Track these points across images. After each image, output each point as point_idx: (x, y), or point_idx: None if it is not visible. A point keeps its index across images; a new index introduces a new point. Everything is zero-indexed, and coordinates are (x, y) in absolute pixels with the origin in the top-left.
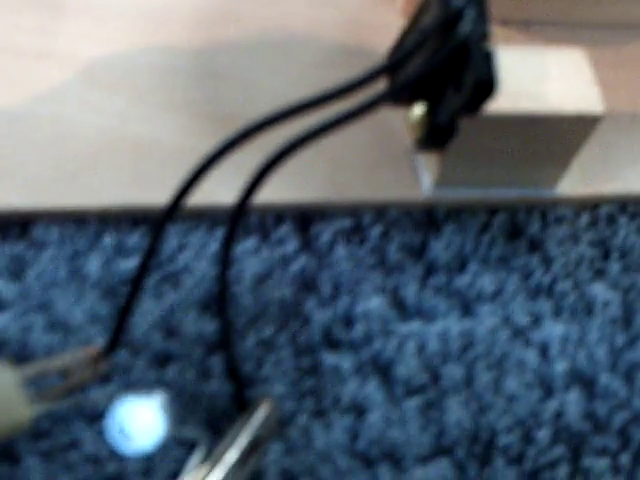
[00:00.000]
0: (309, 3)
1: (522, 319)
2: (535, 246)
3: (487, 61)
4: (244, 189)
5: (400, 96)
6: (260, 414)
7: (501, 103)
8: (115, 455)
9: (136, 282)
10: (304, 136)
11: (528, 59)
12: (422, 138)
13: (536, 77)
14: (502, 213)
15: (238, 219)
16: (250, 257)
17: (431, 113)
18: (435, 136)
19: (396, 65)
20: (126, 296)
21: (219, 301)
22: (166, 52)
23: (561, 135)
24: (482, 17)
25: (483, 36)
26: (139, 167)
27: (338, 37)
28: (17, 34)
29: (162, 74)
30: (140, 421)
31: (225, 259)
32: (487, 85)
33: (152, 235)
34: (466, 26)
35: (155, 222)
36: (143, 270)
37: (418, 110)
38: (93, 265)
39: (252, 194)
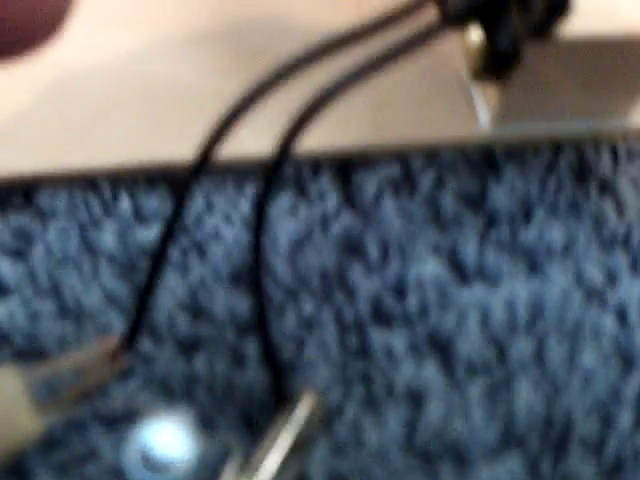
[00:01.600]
0: None
1: (596, 277)
2: (606, 188)
3: None
4: (283, 138)
5: (459, 21)
6: (303, 408)
7: (573, 23)
8: (139, 466)
9: (158, 255)
10: (351, 74)
11: None
12: (481, 67)
13: None
14: (568, 150)
15: (276, 174)
16: (285, 218)
17: (492, 37)
18: (496, 64)
19: None
20: (147, 273)
21: (253, 273)
22: None
23: (637, 59)
24: None
25: None
26: (156, 115)
27: None
28: None
29: (177, 4)
30: (165, 447)
31: (259, 223)
32: (563, 3)
33: (176, 197)
34: None
35: (179, 181)
36: (166, 240)
37: (476, 34)
38: (107, 236)
39: (292, 143)
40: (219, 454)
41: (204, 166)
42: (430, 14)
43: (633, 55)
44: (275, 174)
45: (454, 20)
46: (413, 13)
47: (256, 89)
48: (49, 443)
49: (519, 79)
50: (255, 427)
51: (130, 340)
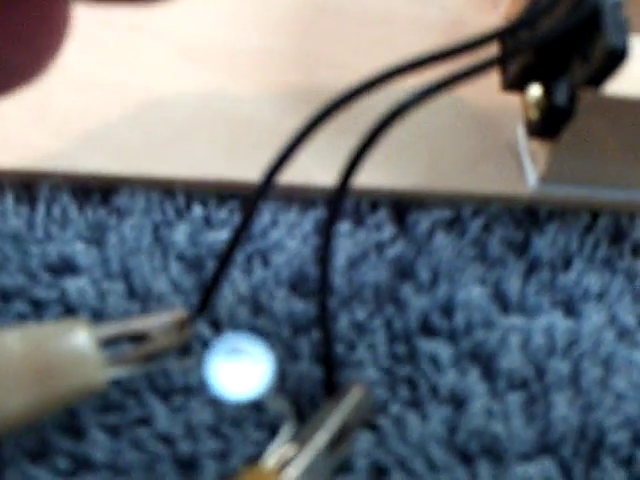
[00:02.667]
0: (413, 0)
1: (628, 320)
2: (639, 252)
3: (621, 27)
4: (349, 159)
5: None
6: (352, 398)
7: (626, 87)
8: (189, 435)
9: (229, 250)
10: (407, 101)
11: None
12: (538, 120)
13: None
14: (605, 216)
15: (342, 193)
16: (344, 240)
17: (549, 92)
18: (552, 117)
19: (516, 28)
20: (219, 260)
21: (318, 278)
22: (265, 35)
23: None
24: None
25: (617, 2)
26: (232, 143)
27: (440, 37)
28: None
29: (259, 55)
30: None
31: (327, 236)
32: (620, 52)
33: (245, 208)
34: None
35: (247, 197)
36: (236, 241)
37: (535, 90)
38: (179, 236)
39: (357, 165)
40: (265, 426)
41: (270, 184)
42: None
43: None
44: (342, 191)
45: (514, 84)
46: (475, 49)
47: (311, 123)
48: (105, 406)
49: (569, 138)
50: (302, 415)
51: (199, 311)
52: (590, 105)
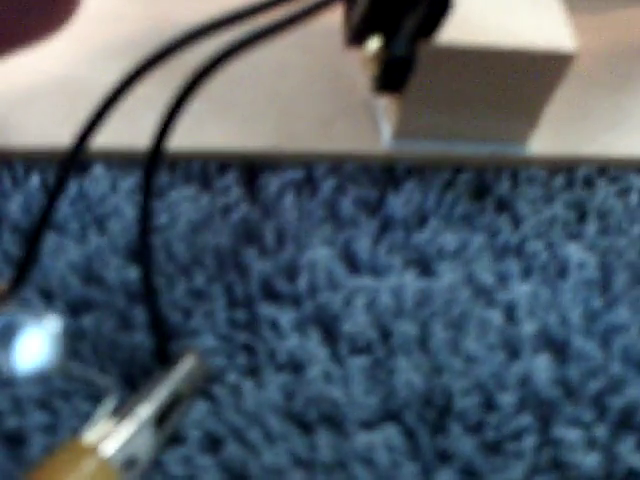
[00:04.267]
0: None
1: (486, 278)
2: (503, 206)
3: None
4: (163, 117)
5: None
6: (183, 367)
7: (463, 35)
8: (16, 409)
9: (43, 217)
10: (230, 48)
11: None
12: (380, 75)
13: (503, 10)
14: (468, 171)
15: (157, 153)
16: (187, 204)
17: (387, 45)
18: (393, 71)
19: None
20: (33, 229)
21: (141, 244)
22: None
23: (529, 76)
24: None
25: None
26: (70, 109)
27: None
28: None
29: (104, 19)
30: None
31: (145, 199)
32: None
33: (61, 173)
34: None
35: (76, 162)
36: (50, 205)
37: (374, 44)
38: (14, 206)
39: (172, 122)
40: (93, 397)
41: (79, 150)
42: None
43: (524, 72)
44: (157, 151)
45: (357, 38)
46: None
47: (123, 83)
48: None
49: (415, 93)
50: (135, 387)
51: (14, 285)
52: (429, 56)
